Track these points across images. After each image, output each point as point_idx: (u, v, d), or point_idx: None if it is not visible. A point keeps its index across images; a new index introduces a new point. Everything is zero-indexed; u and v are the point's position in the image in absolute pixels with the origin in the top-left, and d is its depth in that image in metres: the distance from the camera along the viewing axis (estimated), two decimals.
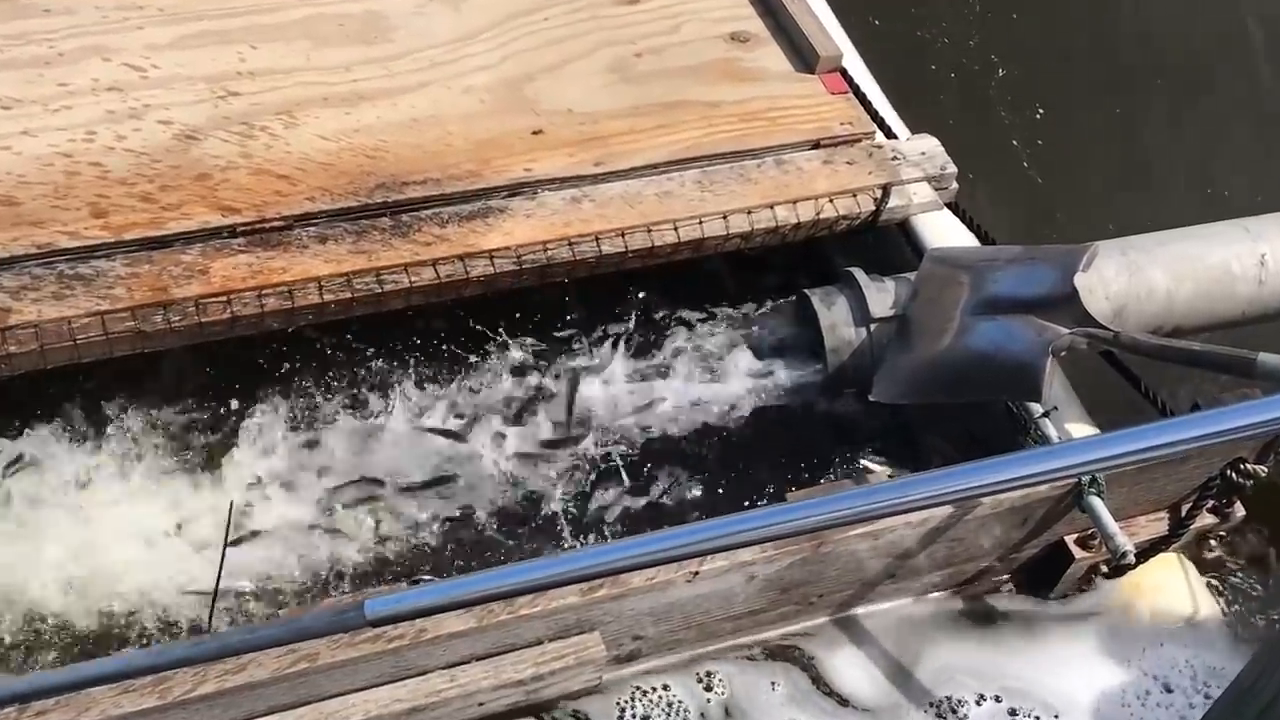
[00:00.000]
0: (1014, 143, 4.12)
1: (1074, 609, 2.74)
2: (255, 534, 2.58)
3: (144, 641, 2.42)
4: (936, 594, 2.70)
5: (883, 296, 2.84)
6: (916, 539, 2.49)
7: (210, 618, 2.40)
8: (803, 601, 2.54)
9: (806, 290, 2.91)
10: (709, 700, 2.48)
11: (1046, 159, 4.08)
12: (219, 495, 2.62)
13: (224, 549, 2.45)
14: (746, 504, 2.78)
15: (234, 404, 2.77)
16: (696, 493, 2.81)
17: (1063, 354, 2.65)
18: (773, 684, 2.52)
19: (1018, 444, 2.71)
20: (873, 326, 2.82)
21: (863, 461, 2.87)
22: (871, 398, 2.76)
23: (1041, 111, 4.20)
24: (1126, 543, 2.45)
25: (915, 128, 3.30)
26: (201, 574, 2.49)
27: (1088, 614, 2.73)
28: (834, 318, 2.84)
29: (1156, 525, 2.72)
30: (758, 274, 3.16)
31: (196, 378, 2.79)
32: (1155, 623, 2.71)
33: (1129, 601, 2.73)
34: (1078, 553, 2.65)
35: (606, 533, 2.72)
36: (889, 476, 2.66)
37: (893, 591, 2.65)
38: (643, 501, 2.78)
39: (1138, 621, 2.72)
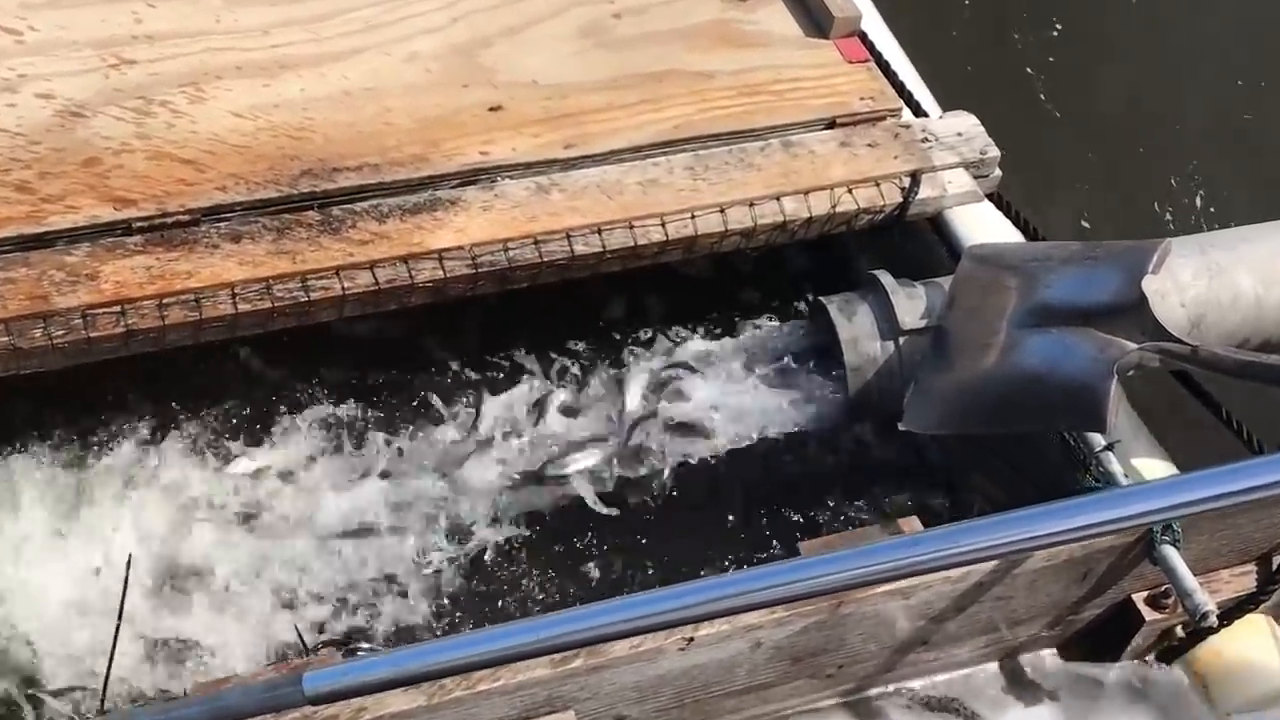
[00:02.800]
0: (1060, 116, 4.13)
1: (1143, 682, 2.73)
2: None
3: None
4: (978, 665, 2.69)
5: (913, 305, 2.83)
6: (955, 597, 2.48)
7: (105, 689, 2.38)
8: (819, 674, 2.52)
9: (823, 298, 2.90)
10: None
11: (1108, 139, 4.10)
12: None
13: (120, 610, 2.42)
14: (751, 558, 2.76)
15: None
16: (689, 544, 2.79)
17: (1130, 373, 2.64)
18: None
19: (1075, 484, 2.69)
20: (902, 341, 2.81)
21: (890, 504, 2.86)
22: (901, 426, 2.74)
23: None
24: (1207, 601, 2.44)
25: (949, 104, 3.30)
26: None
27: (1159, 688, 2.72)
28: (855, 330, 2.83)
29: (1243, 580, 2.71)
30: (761, 279, 3.15)
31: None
32: (1241, 697, 2.70)
33: (1209, 672, 2.72)
34: (1148, 614, 2.63)
35: (579, 593, 2.70)
36: (922, 525, 2.64)
37: (926, 661, 2.63)
38: (622, 555, 2.76)
39: (1220, 696, 2.70)
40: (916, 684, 2.65)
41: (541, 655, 2.15)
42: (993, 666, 2.70)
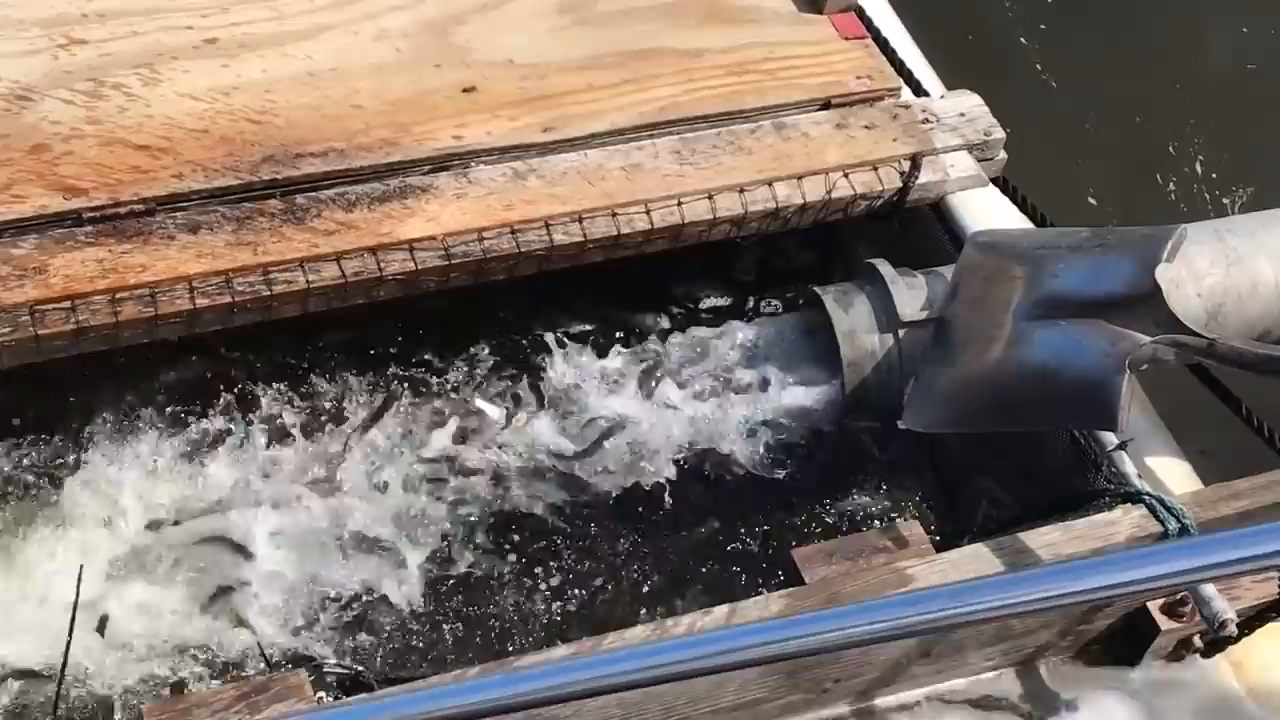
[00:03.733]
0: (1070, 99, 4.14)
1: (1158, 693, 2.73)
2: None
3: None
4: (984, 675, 2.69)
5: (914, 295, 2.83)
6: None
7: (55, 708, 2.37)
8: (814, 689, 2.52)
9: (817, 288, 2.89)
10: None
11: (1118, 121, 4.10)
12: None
13: (71, 625, 2.41)
14: (740, 565, 2.76)
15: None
16: (673, 548, 2.79)
17: (1143, 368, 2.64)
18: None
19: (1087, 486, 2.70)
20: (901, 333, 2.81)
21: (890, 507, 2.86)
22: (901, 425, 2.74)
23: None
24: (1226, 609, 2.44)
25: (952, 83, 3.30)
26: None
27: (1176, 698, 2.72)
28: (852, 322, 2.83)
29: (1265, 587, 2.71)
30: (752, 268, 3.15)
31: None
32: (1263, 711, 2.70)
33: (1228, 684, 2.73)
34: (1164, 623, 2.63)
35: (550, 608, 2.69)
36: (923, 529, 2.63)
37: (929, 675, 2.63)
38: (597, 561, 2.76)
39: (1239, 711, 2.71)
40: (919, 693, 2.65)
41: (540, 706, 2.15)
42: (1001, 677, 2.71)
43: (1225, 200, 3.82)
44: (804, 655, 2.26)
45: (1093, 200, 3.86)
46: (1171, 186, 3.97)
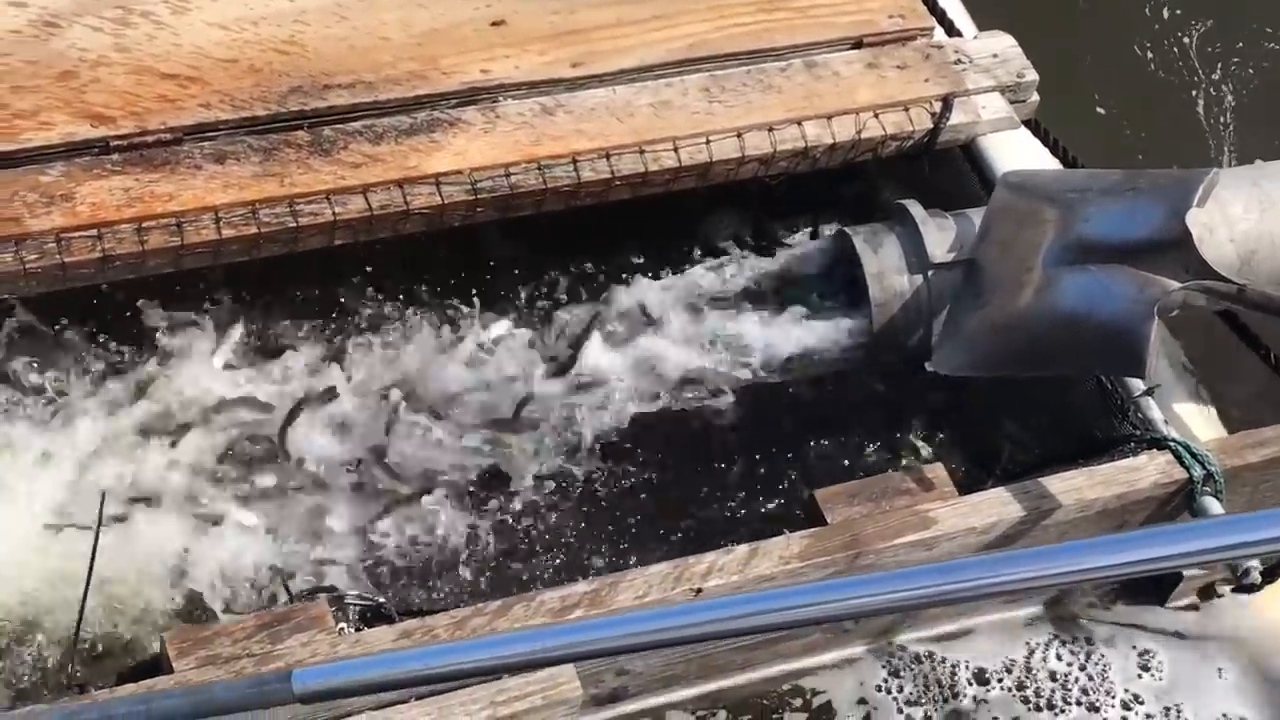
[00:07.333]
0: (1106, 40, 4.10)
1: (1183, 631, 2.75)
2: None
3: None
4: (1004, 613, 2.70)
5: (944, 236, 2.82)
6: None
7: (75, 641, 2.39)
8: (834, 628, 2.53)
9: (847, 228, 2.89)
10: None
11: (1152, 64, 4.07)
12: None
13: (94, 551, 2.42)
14: (760, 503, 2.77)
15: None
16: (696, 489, 2.79)
17: (1173, 314, 2.63)
18: None
19: (1112, 431, 2.70)
20: (931, 274, 2.80)
21: (914, 449, 2.86)
22: (929, 367, 2.74)
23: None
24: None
25: (985, 24, 3.28)
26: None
27: (1201, 637, 2.74)
28: (881, 263, 2.82)
29: None
30: (780, 208, 3.14)
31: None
32: None
33: (1261, 627, 2.74)
34: (1188, 569, 2.64)
35: (566, 555, 2.70)
36: (947, 473, 2.64)
37: (952, 615, 2.64)
38: (622, 499, 2.76)
39: (1263, 649, 2.73)
40: (939, 630, 2.66)
41: (546, 665, 2.17)
42: (1025, 614, 2.72)
43: (1261, 146, 3.77)
44: (829, 620, 2.28)
45: (1125, 142, 3.83)
46: (1206, 130, 3.94)
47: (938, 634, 2.66)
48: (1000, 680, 2.65)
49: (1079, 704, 2.64)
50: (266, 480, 2.65)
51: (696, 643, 2.24)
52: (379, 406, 2.75)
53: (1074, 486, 2.53)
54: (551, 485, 2.75)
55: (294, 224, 2.63)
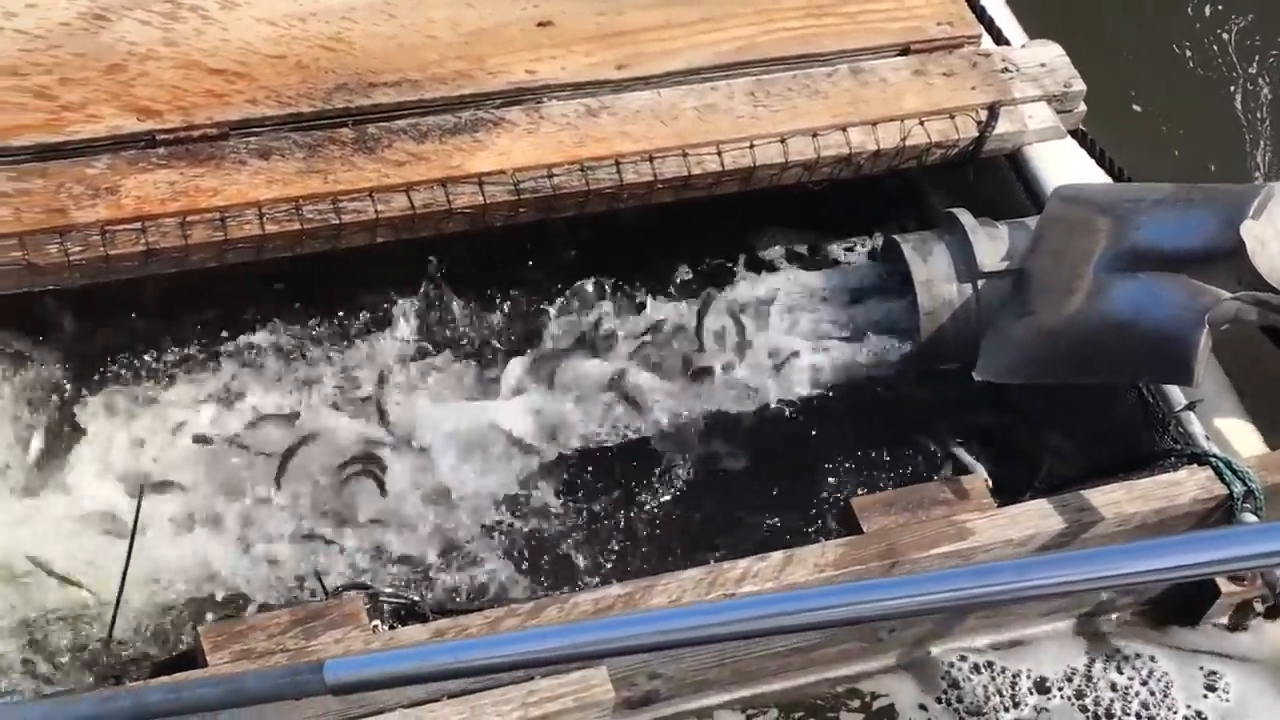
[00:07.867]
0: (1156, 52, 4.08)
1: (1217, 653, 2.73)
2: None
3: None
4: (1041, 628, 2.69)
5: (994, 246, 2.81)
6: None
7: (111, 629, 2.40)
8: (869, 637, 2.53)
9: (897, 236, 2.88)
10: None
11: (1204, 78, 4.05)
12: None
13: (130, 544, 2.44)
14: (799, 512, 2.77)
15: None
16: (737, 495, 2.79)
17: (1224, 327, 2.61)
18: None
19: (1152, 443, 2.68)
20: (980, 283, 2.79)
21: (954, 459, 2.85)
22: (976, 375, 2.73)
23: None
24: None
25: (1034, 32, 3.27)
26: None
27: (1235, 659, 2.72)
28: (930, 271, 2.82)
29: None
30: (825, 215, 3.14)
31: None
32: None
33: None
34: (1225, 585, 2.63)
35: (616, 542, 2.71)
36: (983, 483, 2.63)
37: (985, 626, 2.63)
38: (665, 504, 2.77)
39: None
40: (973, 644, 2.65)
41: (576, 660, 2.17)
42: (1058, 631, 2.71)
43: None
44: (860, 622, 2.27)
45: (1174, 156, 3.81)
46: (1261, 146, 3.91)
47: (973, 646, 2.66)
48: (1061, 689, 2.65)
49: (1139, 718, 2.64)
50: None
51: (728, 641, 2.24)
52: None
53: (1113, 500, 2.52)
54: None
55: (337, 221, 2.64)
